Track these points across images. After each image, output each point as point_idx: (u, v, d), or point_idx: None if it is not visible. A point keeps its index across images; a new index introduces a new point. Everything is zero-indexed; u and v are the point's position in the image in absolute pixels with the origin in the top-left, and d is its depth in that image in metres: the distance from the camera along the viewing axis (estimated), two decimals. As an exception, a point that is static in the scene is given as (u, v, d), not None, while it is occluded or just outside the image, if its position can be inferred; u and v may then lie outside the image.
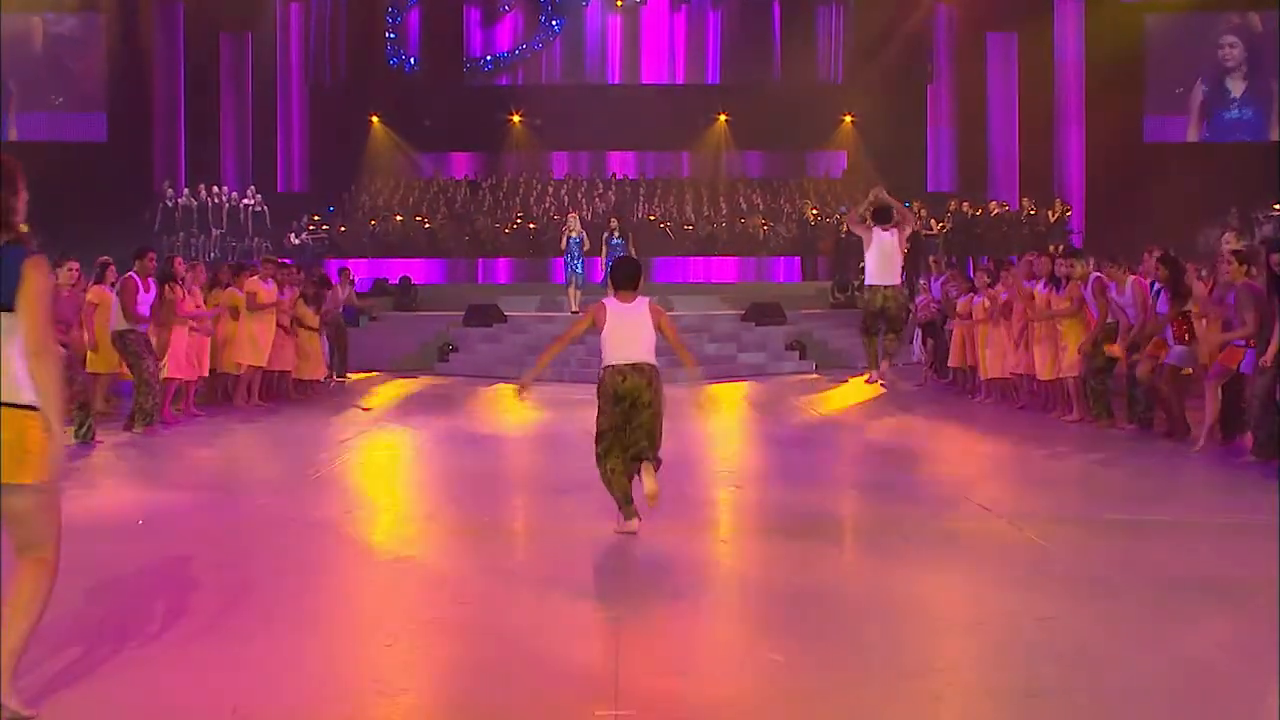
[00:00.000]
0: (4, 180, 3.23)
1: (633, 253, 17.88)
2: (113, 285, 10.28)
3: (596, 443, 5.75)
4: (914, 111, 28.78)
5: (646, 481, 5.52)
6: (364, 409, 12.00)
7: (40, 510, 3.13)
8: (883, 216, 11.89)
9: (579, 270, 18.00)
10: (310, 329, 13.25)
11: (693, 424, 10.88)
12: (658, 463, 5.66)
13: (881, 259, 11.91)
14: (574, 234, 17.86)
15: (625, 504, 5.70)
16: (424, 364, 17.30)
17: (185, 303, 10.70)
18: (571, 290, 18.12)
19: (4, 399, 3.05)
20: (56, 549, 3.20)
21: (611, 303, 5.76)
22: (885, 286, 12.14)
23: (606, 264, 17.44)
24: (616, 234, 18.03)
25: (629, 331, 5.66)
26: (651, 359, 5.68)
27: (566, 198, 27.68)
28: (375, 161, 29.95)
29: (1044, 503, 6.89)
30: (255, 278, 12.19)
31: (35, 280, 3.16)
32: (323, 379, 13.78)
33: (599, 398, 5.71)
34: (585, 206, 27.01)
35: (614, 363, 5.63)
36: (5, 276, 3.11)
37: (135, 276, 10.00)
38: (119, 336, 10.00)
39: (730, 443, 10.10)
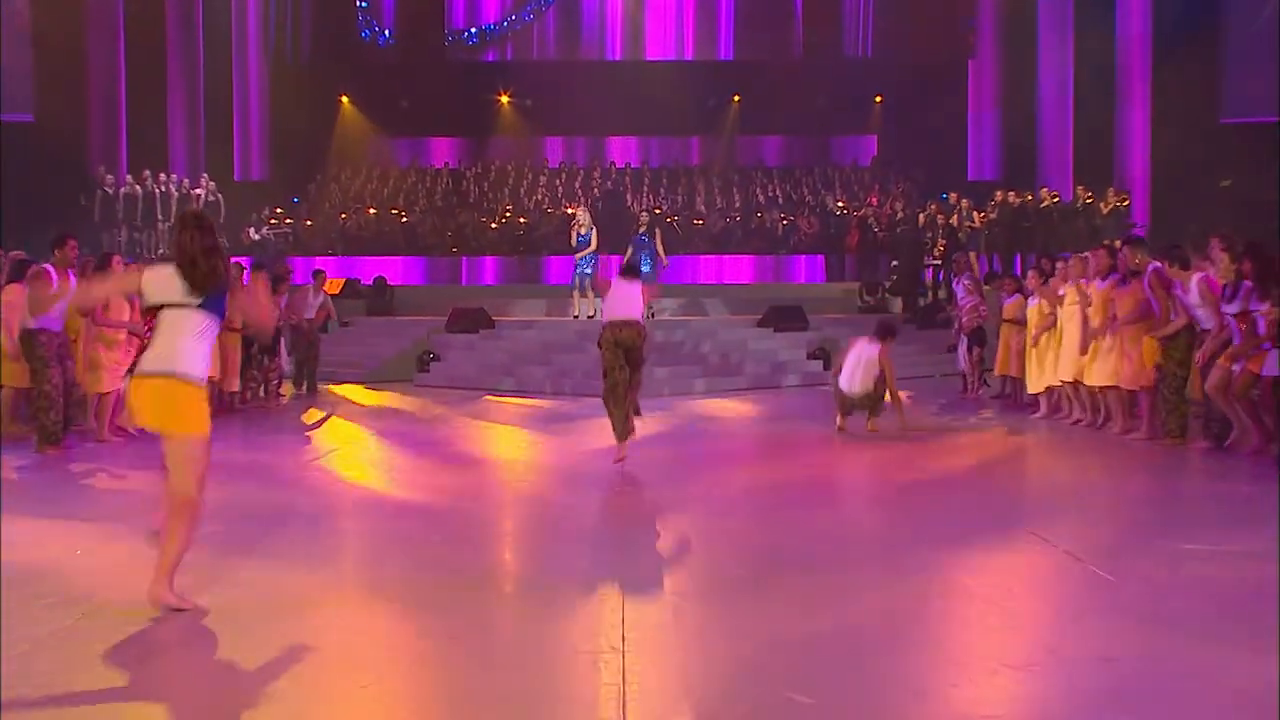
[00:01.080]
0: None
1: (661, 251, 17.88)
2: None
3: (604, 378, 9.10)
4: (953, 89, 28.96)
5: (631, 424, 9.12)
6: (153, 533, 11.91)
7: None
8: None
9: (588, 271, 17.69)
10: (233, 330, 12.95)
11: (703, 441, 10.88)
12: (637, 410, 9.25)
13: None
14: (583, 230, 17.70)
15: (621, 437, 9.06)
16: (401, 374, 17.35)
17: (111, 309, 10.15)
18: (577, 296, 17.91)
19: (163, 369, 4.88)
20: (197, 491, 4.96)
21: (615, 279, 9.34)
22: None
23: (632, 259, 17.49)
24: (643, 227, 17.93)
25: (625, 294, 9.11)
26: (640, 318, 9.08)
27: (561, 189, 27.78)
28: (345, 147, 30.13)
29: (1109, 532, 6.85)
30: None
31: None
32: (238, 390, 13.52)
33: (602, 347, 9.05)
34: (582, 198, 27.09)
35: (613, 318, 9.02)
36: None
37: (50, 269, 9.56)
38: (27, 338, 9.55)
39: (750, 459, 10.07)
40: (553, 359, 16.42)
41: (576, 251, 17.81)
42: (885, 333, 11.52)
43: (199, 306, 4.93)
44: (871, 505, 8.21)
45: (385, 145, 31.34)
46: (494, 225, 26.17)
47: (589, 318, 17.68)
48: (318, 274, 16.35)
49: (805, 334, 17.92)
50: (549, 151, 30.91)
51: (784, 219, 26.12)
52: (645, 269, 17.62)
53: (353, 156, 30.16)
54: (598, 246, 17.79)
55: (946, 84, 28.74)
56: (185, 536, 4.90)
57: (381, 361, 17.83)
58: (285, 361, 14.72)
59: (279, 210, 26.35)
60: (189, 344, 4.92)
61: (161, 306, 4.97)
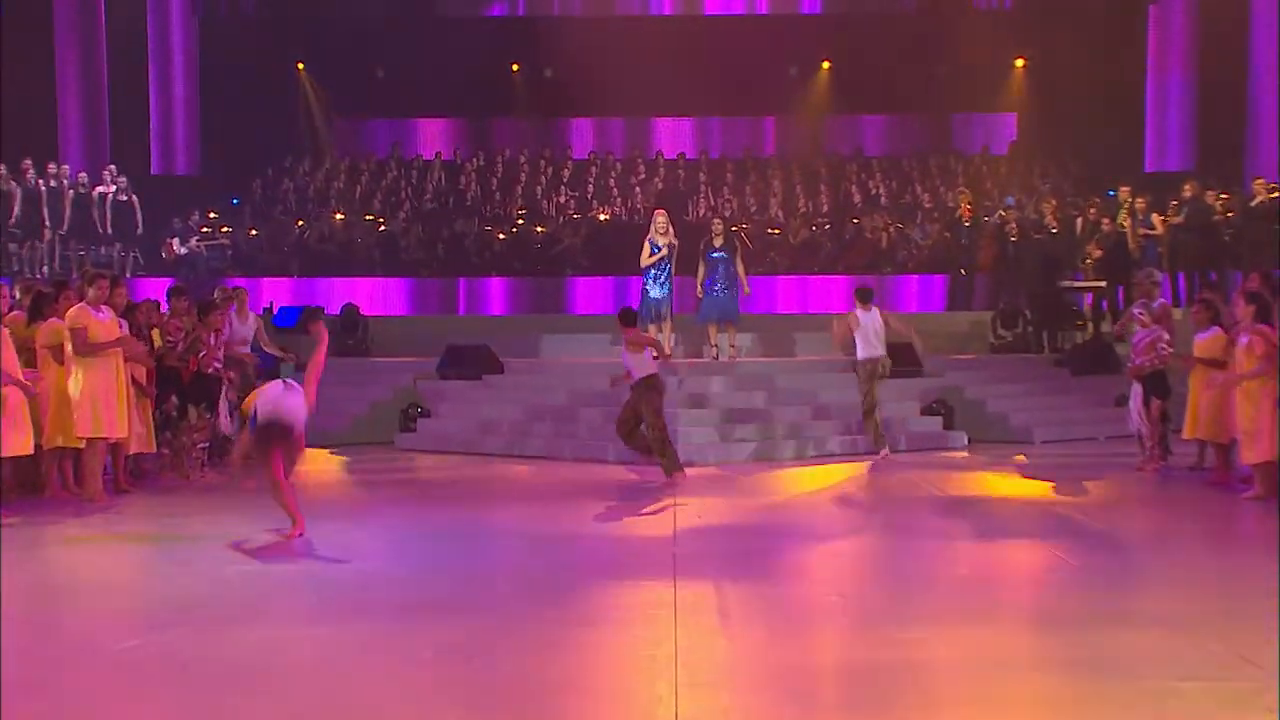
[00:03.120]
0: None
1: (740, 270, 17.92)
2: None
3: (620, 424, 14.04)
4: (1126, 49, 28.93)
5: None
6: None
7: None
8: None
9: (664, 294, 17.60)
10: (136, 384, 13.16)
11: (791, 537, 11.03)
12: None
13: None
14: (663, 241, 17.59)
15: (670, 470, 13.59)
16: (379, 434, 17.59)
17: None
18: (654, 329, 17.42)
19: None
20: None
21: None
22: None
23: (706, 286, 17.78)
24: (719, 240, 17.98)
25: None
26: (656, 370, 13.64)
27: (591, 188, 28.10)
28: (302, 132, 30.64)
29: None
30: (81, 304, 12.26)
31: None
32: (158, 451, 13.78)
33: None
34: (619, 200, 27.37)
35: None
36: None
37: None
38: None
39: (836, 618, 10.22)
40: (580, 415, 16.64)
41: (651, 271, 17.64)
42: (866, 296, 16.09)
43: None
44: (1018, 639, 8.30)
45: (356, 129, 31.83)
46: (502, 236, 26.49)
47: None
48: (237, 292, 16.33)
49: (919, 381, 18.01)
50: (575, 138, 31.25)
51: (890, 226, 26.29)
52: (718, 292, 17.79)
53: (313, 144, 30.66)
54: (669, 257, 17.59)
55: (1117, 40, 28.72)
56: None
57: (352, 418, 18.11)
58: (226, 421, 14.93)
59: (213, 215, 26.82)
60: None
61: None
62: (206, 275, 24.55)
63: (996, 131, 31.02)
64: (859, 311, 15.78)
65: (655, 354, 13.99)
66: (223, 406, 14.79)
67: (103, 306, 12.32)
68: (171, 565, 9.52)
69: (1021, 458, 15.66)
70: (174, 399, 13.75)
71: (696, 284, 17.95)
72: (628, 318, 14.24)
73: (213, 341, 14.36)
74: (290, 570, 9.37)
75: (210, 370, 14.33)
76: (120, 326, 12.50)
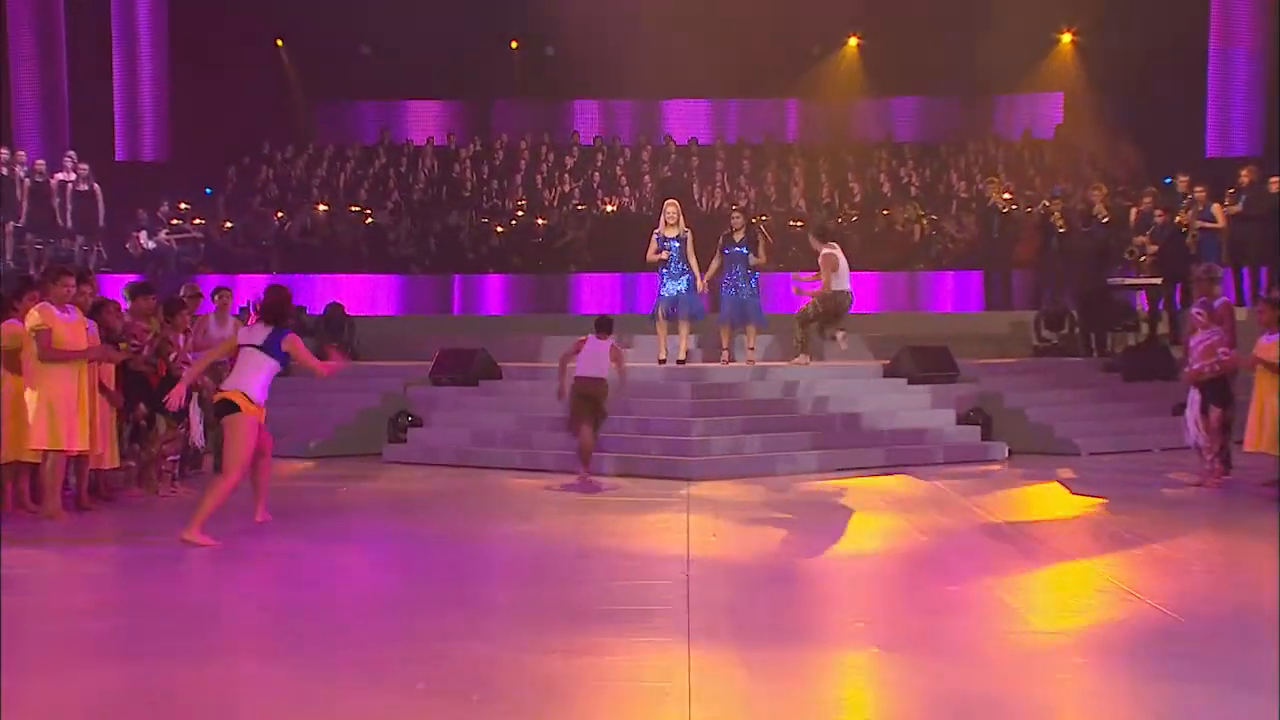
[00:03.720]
0: None
1: (763, 255, 18.10)
2: None
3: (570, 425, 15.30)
4: (1186, 21, 28.73)
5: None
6: None
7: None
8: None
9: (680, 293, 17.79)
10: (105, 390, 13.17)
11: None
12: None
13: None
14: (673, 234, 17.84)
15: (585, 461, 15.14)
16: (365, 445, 17.65)
17: None
18: (661, 328, 17.92)
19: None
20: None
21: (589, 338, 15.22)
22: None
23: (724, 284, 18.04)
24: (739, 234, 18.05)
25: (595, 352, 15.12)
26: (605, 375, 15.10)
27: (598, 176, 28.14)
28: (282, 115, 30.70)
29: None
30: (44, 304, 12.17)
31: None
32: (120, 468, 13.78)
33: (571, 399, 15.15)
34: (627, 189, 27.40)
35: (582, 374, 15.02)
36: None
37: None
38: None
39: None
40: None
41: (664, 267, 17.87)
42: (824, 233, 18.57)
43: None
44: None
45: (341, 112, 31.91)
46: (500, 229, 26.52)
47: (679, 362, 17.89)
48: (220, 292, 16.54)
49: (954, 387, 18.08)
50: (580, 121, 31.38)
51: (923, 218, 26.30)
52: (739, 291, 17.86)
53: (293, 128, 30.73)
54: (681, 249, 17.74)
55: (1176, 11, 28.55)
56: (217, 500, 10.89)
57: (336, 427, 18.17)
58: (198, 431, 14.95)
59: (184, 206, 26.91)
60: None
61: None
62: (177, 272, 24.64)
63: (1041, 113, 31.08)
64: (592, 337, 15.46)
65: (619, 369, 15.20)
66: (194, 415, 14.77)
67: (69, 305, 12.25)
68: (123, 590, 9.54)
69: (1068, 472, 15.64)
70: (142, 407, 13.72)
71: (707, 279, 18.03)
72: (604, 326, 15.43)
73: (182, 343, 14.33)
74: (265, 596, 9.40)
75: (181, 375, 14.26)
76: (88, 328, 12.48)
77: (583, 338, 15.37)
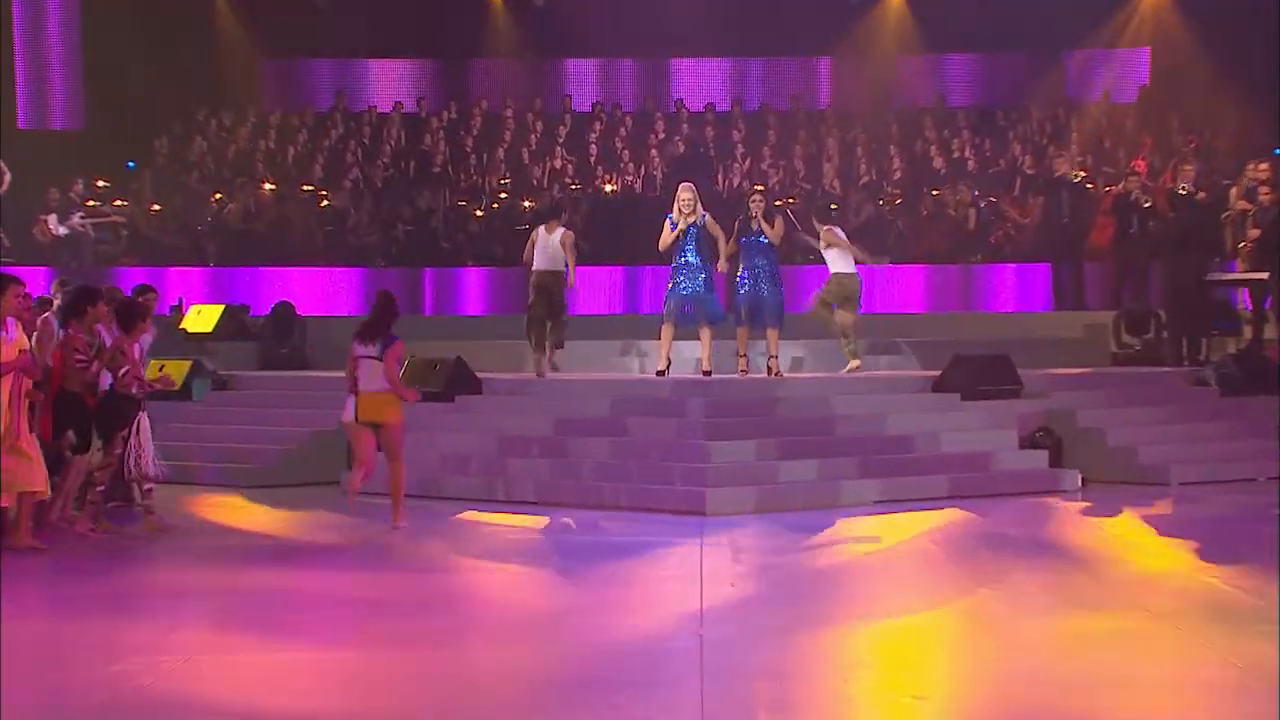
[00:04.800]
0: None
1: (773, 237, 18.05)
2: None
3: (527, 324, 19.03)
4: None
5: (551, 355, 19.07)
6: None
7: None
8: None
9: (697, 292, 17.81)
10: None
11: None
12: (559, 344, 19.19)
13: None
14: (692, 219, 17.85)
15: (539, 351, 18.97)
16: (319, 471, 17.58)
17: None
18: (666, 332, 18.00)
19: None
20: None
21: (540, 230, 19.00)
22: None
23: (741, 279, 18.05)
24: (756, 224, 17.97)
25: (546, 245, 18.80)
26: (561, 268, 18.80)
27: (595, 149, 28.07)
28: (220, 76, 30.59)
29: None
30: None
31: None
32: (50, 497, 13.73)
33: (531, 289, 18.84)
34: (630, 165, 27.32)
35: (539, 268, 18.82)
36: None
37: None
38: None
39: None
40: (578, 448, 16.62)
41: (678, 257, 17.93)
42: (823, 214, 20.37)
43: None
44: None
45: (290, 72, 31.81)
46: (479, 213, 26.46)
47: (705, 374, 17.91)
48: (140, 291, 15.88)
49: (1016, 404, 17.97)
50: (574, 85, 31.32)
51: (979, 199, 26.20)
52: (758, 288, 17.83)
53: (234, 91, 30.63)
54: (692, 238, 17.72)
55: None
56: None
57: (285, 451, 18.08)
58: (150, 456, 14.67)
59: (102, 184, 26.85)
60: None
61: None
62: (94, 263, 24.56)
63: (1123, 73, 30.96)
64: (542, 229, 19.00)
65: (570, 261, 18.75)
66: (146, 439, 14.49)
67: (9, 320, 12.36)
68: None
69: (1155, 507, 15.55)
70: (70, 435, 13.66)
71: (725, 273, 18.06)
72: (552, 214, 20.22)
73: (137, 354, 14.26)
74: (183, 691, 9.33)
75: (135, 391, 14.11)
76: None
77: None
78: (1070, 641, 9.67)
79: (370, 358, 14.06)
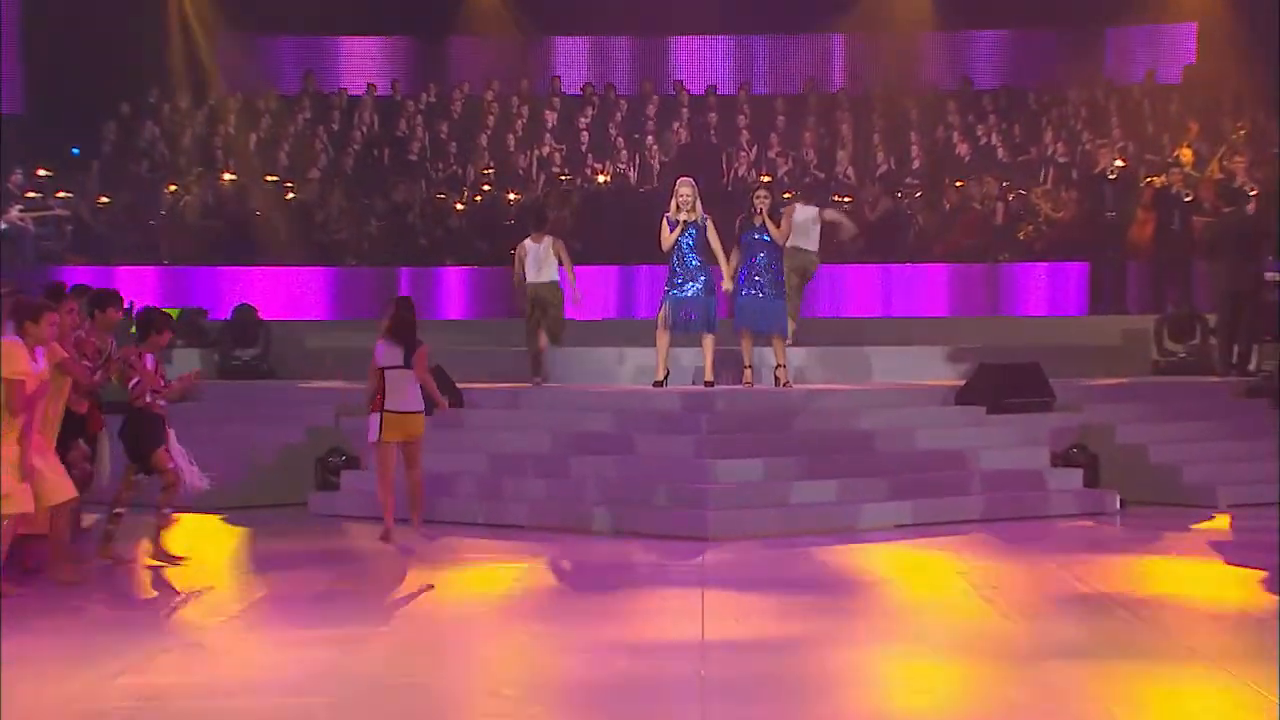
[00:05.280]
0: None
1: (777, 236, 18.03)
2: None
3: (526, 337, 19.50)
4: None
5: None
6: None
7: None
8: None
9: (697, 295, 17.78)
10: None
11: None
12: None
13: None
14: (691, 217, 17.82)
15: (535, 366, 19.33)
16: (286, 493, 17.66)
17: None
18: (662, 339, 17.97)
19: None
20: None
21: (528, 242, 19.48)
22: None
23: (741, 280, 17.93)
24: (761, 218, 17.93)
25: (538, 255, 19.19)
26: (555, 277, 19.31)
27: (587, 136, 28.04)
28: (174, 55, 30.50)
29: None
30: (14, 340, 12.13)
31: None
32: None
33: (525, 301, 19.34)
34: (624, 154, 27.30)
35: (533, 281, 19.17)
36: None
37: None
38: None
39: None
40: (572, 467, 16.68)
41: (674, 256, 17.90)
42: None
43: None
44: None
45: (253, 51, 31.74)
46: (460, 206, 26.44)
47: (707, 384, 17.83)
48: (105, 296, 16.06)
49: (1048, 417, 17.97)
50: (563, 65, 31.30)
51: (1007, 191, 26.16)
52: (760, 290, 17.81)
53: (189, 71, 30.55)
54: (693, 238, 17.72)
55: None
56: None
57: (249, 470, 18.06)
58: (107, 469, 14.64)
59: (44, 174, 26.80)
60: None
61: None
62: (35, 261, 24.53)
63: (1167, 50, 30.92)
64: (528, 240, 19.54)
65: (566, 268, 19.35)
66: (179, 453, 14.41)
67: (38, 350, 12.33)
68: None
69: (1200, 534, 15.51)
70: (82, 445, 13.66)
71: (725, 275, 17.98)
72: (536, 222, 20.21)
73: (152, 366, 14.23)
74: None
75: (150, 402, 14.07)
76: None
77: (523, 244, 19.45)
78: (1118, 689, 9.62)
79: (396, 367, 14.83)
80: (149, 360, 14.10)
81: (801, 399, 17.85)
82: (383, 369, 14.84)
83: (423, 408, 15.06)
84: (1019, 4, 30.14)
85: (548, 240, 19.15)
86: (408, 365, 14.81)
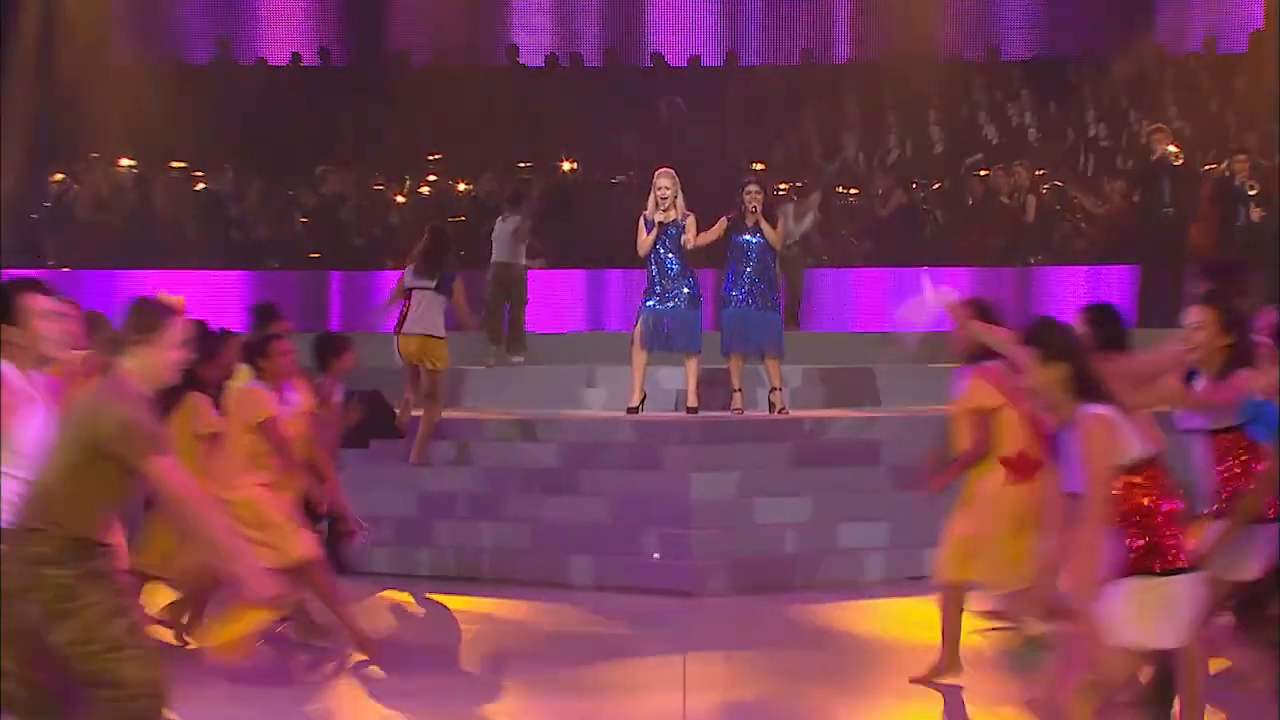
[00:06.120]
0: None
1: (774, 239, 18.14)
2: None
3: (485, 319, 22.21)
4: None
5: None
6: None
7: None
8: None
9: (677, 308, 17.91)
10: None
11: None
12: None
13: None
14: (671, 217, 17.97)
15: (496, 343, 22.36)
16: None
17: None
18: (638, 359, 17.99)
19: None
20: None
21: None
22: None
23: (726, 290, 18.15)
24: (754, 217, 17.92)
25: (501, 233, 22.07)
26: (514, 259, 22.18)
27: (546, 118, 28.09)
28: (60, 19, 30.48)
29: None
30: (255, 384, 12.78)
31: None
32: None
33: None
34: (592, 140, 27.34)
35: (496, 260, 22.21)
36: None
37: None
38: None
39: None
40: (528, 508, 16.78)
41: (653, 263, 18.07)
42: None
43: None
44: None
45: (154, 11, 31.69)
46: (401, 199, 26.53)
47: (689, 410, 17.92)
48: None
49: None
50: (520, 30, 31.39)
51: (1042, 184, 26.27)
52: (750, 303, 17.90)
53: (80, 41, 30.57)
54: (671, 241, 17.89)
55: None
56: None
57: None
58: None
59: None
60: None
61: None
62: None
63: (1229, 16, 30.99)
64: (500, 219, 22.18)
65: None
66: None
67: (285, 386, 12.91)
68: None
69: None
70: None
71: (715, 286, 18.11)
72: (512, 200, 22.76)
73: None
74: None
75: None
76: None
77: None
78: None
79: (424, 288, 17.59)
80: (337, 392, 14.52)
81: (798, 428, 17.98)
82: (410, 289, 17.63)
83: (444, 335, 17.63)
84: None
85: (513, 220, 21.67)
86: (441, 290, 17.46)
